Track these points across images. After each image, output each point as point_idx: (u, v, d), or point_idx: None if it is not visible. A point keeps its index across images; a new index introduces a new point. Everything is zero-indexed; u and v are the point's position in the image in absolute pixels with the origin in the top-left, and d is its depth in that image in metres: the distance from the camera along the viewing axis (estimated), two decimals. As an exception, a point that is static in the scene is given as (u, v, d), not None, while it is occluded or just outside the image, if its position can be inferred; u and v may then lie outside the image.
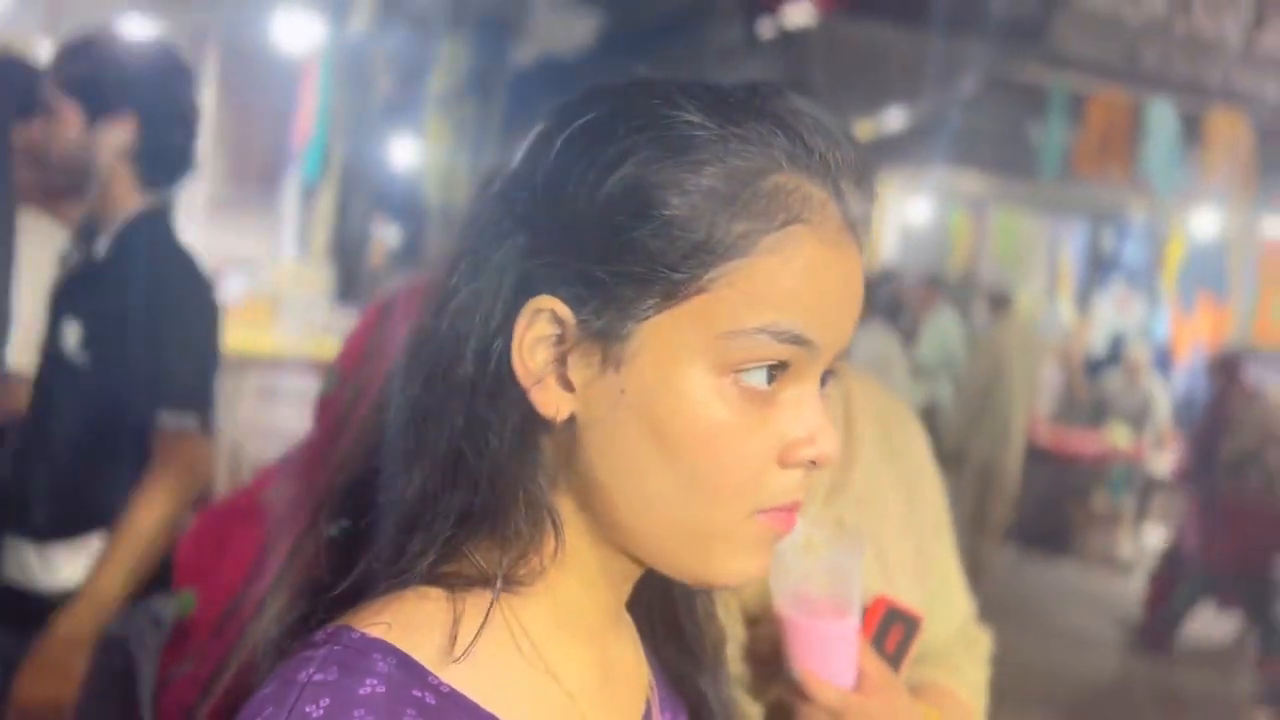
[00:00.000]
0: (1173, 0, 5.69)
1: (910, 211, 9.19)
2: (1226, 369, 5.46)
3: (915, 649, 0.99)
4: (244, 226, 6.28)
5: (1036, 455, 6.33)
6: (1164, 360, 8.30)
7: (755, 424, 0.56)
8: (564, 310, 0.55)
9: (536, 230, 0.56)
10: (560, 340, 0.56)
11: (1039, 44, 5.35)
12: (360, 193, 6.64)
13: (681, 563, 0.58)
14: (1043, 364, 6.46)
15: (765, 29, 6.61)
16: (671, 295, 0.55)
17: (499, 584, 0.57)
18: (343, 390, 1.22)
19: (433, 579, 0.57)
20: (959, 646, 1.11)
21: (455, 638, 0.55)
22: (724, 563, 0.58)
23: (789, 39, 6.37)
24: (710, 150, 0.55)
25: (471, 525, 0.58)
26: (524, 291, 0.56)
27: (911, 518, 1.09)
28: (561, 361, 0.56)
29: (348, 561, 0.60)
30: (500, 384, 0.56)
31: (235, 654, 1.09)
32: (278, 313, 5.13)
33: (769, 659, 0.95)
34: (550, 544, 0.58)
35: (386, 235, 8.70)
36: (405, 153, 7.20)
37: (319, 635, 0.55)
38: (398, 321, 1.22)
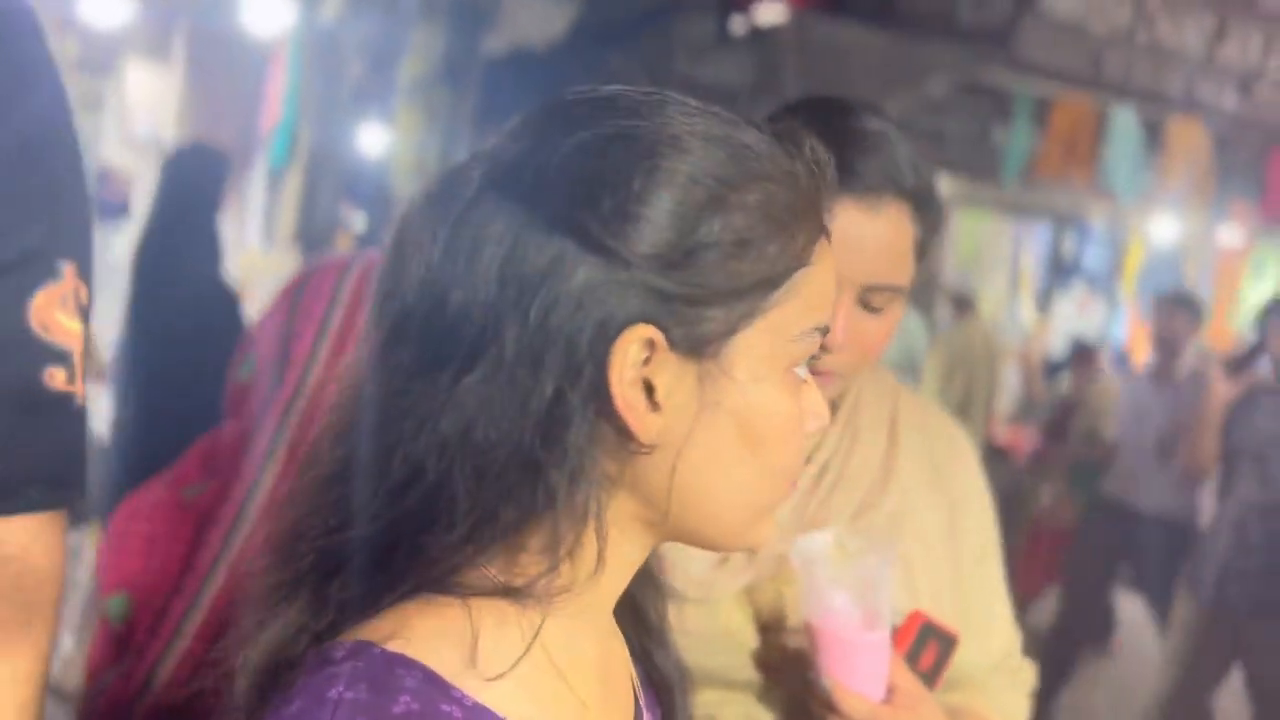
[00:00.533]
0: (1137, 10, 5.79)
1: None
2: (1082, 358, 5.56)
3: (949, 668, 0.97)
4: (210, 211, 6.22)
5: (994, 454, 6.42)
6: (1122, 363, 8.44)
7: (800, 408, 0.62)
8: (658, 336, 0.56)
9: (616, 259, 0.55)
10: (645, 363, 0.56)
11: (1006, 50, 5.43)
12: (328, 179, 6.60)
13: (734, 538, 0.63)
14: (1002, 365, 6.55)
15: (737, 25, 6.64)
16: (757, 311, 0.58)
17: (546, 601, 0.57)
18: (260, 377, 1.21)
19: (442, 587, 0.57)
20: (1000, 676, 1.09)
21: (476, 650, 0.55)
22: (766, 528, 0.64)
23: (760, 36, 6.40)
24: (769, 167, 0.59)
25: (513, 540, 0.57)
26: (612, 320, 0.55)
27: (951, 542, 1.07)
28: (648, 384, 0.56)
29: (348, 572, 0.59)
30: (583, 410, 0.55)
31: (170, 650, 1.08)
32: (243, 299, 5.09)
33: (780, 667, 0.95)
34: (591, 557, 0.58)
35: (353, 222, 8.64)
36: (374, 140, 7.16)
37: (338, 650, 0.54)
38: (310, 304, 1.20)
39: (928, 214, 0.97)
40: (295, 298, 1.22)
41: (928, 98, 5.62)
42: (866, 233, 0.93)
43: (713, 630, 0.97)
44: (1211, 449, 3.50)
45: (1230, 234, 7.32)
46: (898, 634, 0.94)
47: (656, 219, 0.55)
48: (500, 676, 0.55)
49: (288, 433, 1.16)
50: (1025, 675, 1.12)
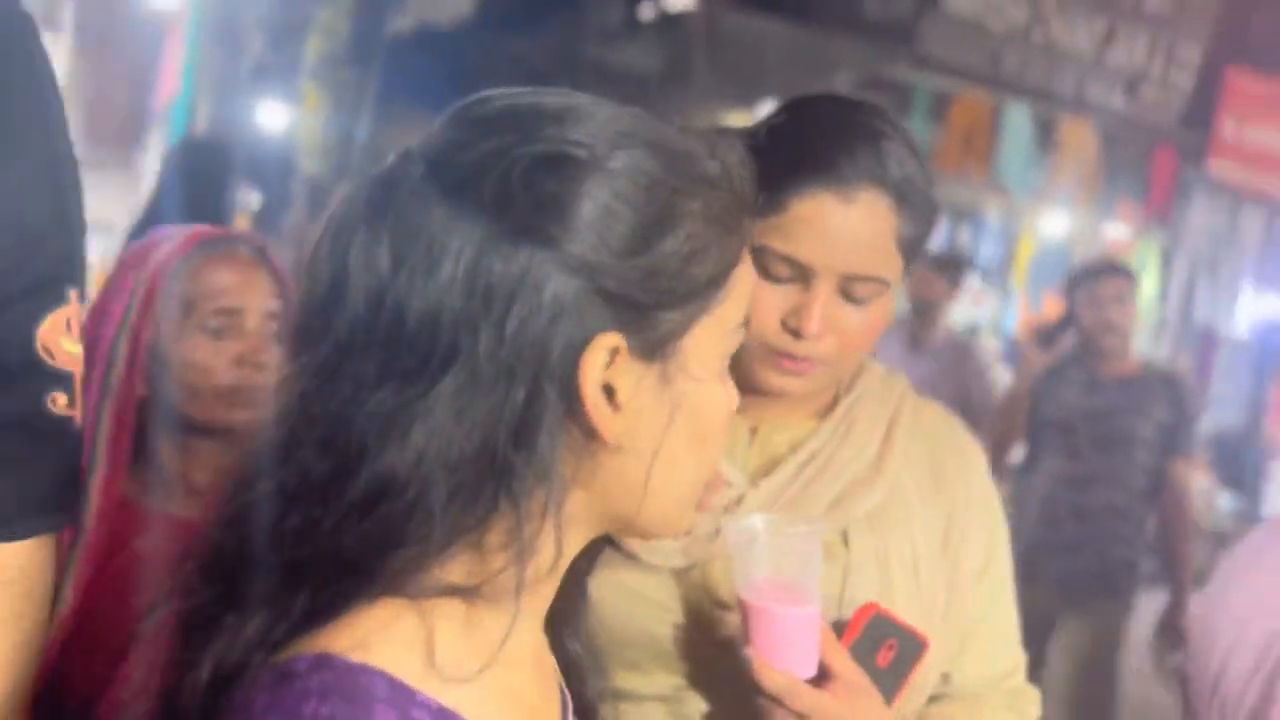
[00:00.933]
0: (1033, 10, 5.97)
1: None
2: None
3: (918, 673, 0.96)
4: (101, 188, 6.00)
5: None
6: (1013, 353, 8.72)
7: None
8: (622, 341, 0.58)
9: (583, 270, 0.57)
10: (609, 367, 0.58)
11: (908, 46, 5.55)
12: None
13: (671, 525, 0.65)
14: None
15: (645, 11, 6.66)
16: (703, 311, 0.61)
17: (507, 600, 0.58)
18: (87, 378, 1.18)
19: (399, 592, 0.57)
20: (996, 695, 1.08)
21: (436, 654, 0.56)
22: (694, 511, 0.67)
23: (669, 23, 6.44)
24: (708, 172, 0.61)
25: (472, 541, 0.58)
26: (582, 329, 0.57)
27: (948, 554, 1.06)
28: (612, 387, 0.58)
29: (308, 586, 0.57)
30: (554, 413, 0.57)
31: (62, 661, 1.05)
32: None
33: (720, 643, 0.95)
34: (547, 555, 0.60)
35: (249, 201, 8.42)
36: (275, 118, 6.98)
37: (298, 663, 0.54)
38: (108, 304, 1.18)
39: (914, 211, 0.98)
40: (101, 297, 1.21)
41: (834, 91, 5.71)
42: (840, 222, 0.95)
43: (664, 599, 0.99)
44: (1018, 422, 3.49)
45: (1116, 230, 7.61)
46: (847, 625, 0.95)
47: (619, 230, 0.57)
48: (467, 680, 0.56)
49: (104, 437, 1.15)
50: (1025, 700, 1.11)
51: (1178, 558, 3.23)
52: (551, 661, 0.70)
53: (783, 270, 0.95)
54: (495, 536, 0.58)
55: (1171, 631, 3.18)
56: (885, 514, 1.04)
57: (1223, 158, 7.08)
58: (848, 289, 0.96)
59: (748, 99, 6.15)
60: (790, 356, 0.97)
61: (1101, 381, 3.23)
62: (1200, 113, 6.88)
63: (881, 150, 0.96)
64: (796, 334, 0.96)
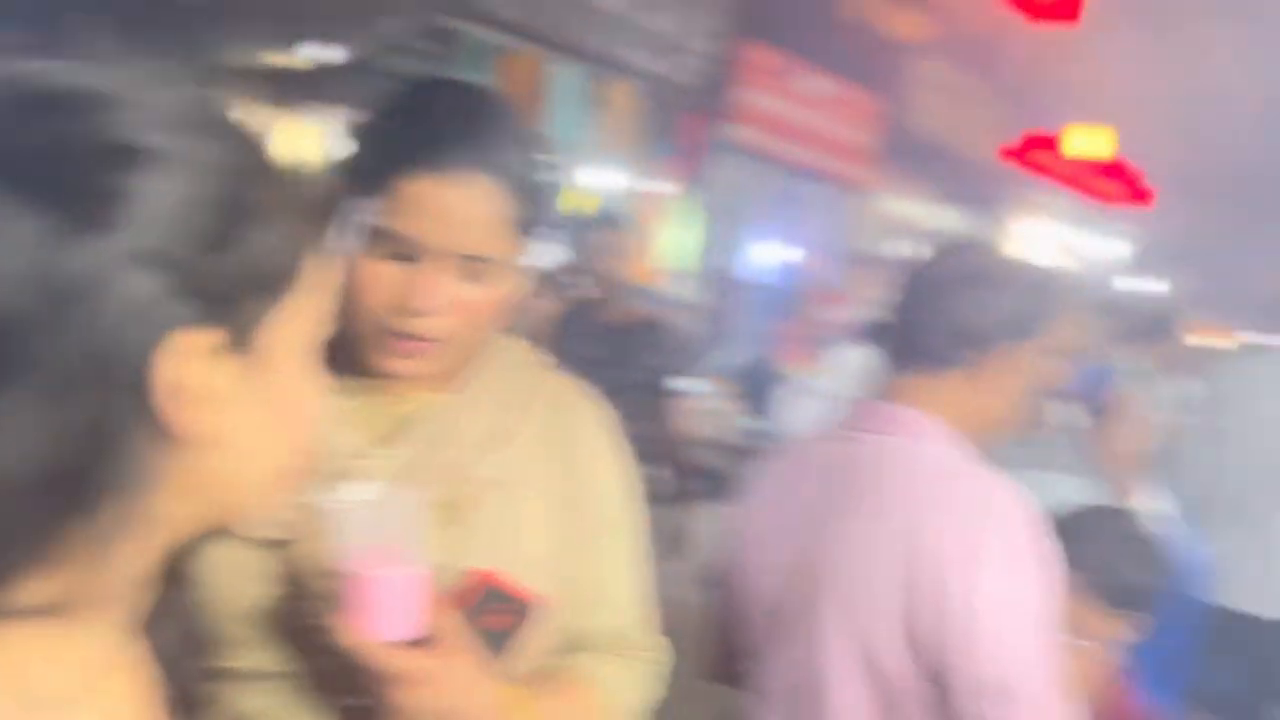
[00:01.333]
0: (578, -29, 6.25)
1: (336, 152, 9.09)
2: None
3: (528, 633, 0.99)
4: None
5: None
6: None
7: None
8: (203, 338, 0.55)
9: (157, 265, 0.53)
10: (192, 365, 0.55)
11: (460, -2, 5.59)
12: None
13: (261, 512, 0.64)
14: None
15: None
16: (283, 300, 0.59)
17: (101, 614, 0.55)
18: None
19: None
20: (613, 649, 1.14)
21: (29, 682, 0.52)
22: (282, 496, 0.65)
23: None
24: (280, 160, 0.61)
25: (58, 557, 0.54)
26: (159, 326, 0.54)
27: (570, 515, 1.11)
28: (195, 385, 0.55)
29: None
30: (134, 417, 0.54)
31: None
32: None
33: (324, 615, 0.93)
34: (138, 562, 0.57)
35: None
36: None
37: None
38: None
39: (522, 193, 1.02)
40: None
41: (384, 39, 5.63)
42: (442, 203, 0.98)
43: (268, 573, 0.98)
44: None
45: (660, 186, 8.22)
46: (463, 591, 0.98)
47: (194, 222, 0.55)
48: (66, 705, 0.52)
49: None
50: (643, 652, 1.18)
51: (681, 476, 3.73)
52: (147, 666, 0.67)
53: (398, 249, 0.98)
54: (79, 550, 0.54)
55: (673, 539, 3.71)
56: (510, 481, 1.08)
57: (741, 123, 7.89)
58: (462, 267, 1.00)
59: (291, 39, 5.89)
60: (409, 337, 1.00)
61: (601, 330, 3.49)
62: (726, 80, 7.61)
63: (482, 135, 1.00)
64: (414, 312, 0.99)
